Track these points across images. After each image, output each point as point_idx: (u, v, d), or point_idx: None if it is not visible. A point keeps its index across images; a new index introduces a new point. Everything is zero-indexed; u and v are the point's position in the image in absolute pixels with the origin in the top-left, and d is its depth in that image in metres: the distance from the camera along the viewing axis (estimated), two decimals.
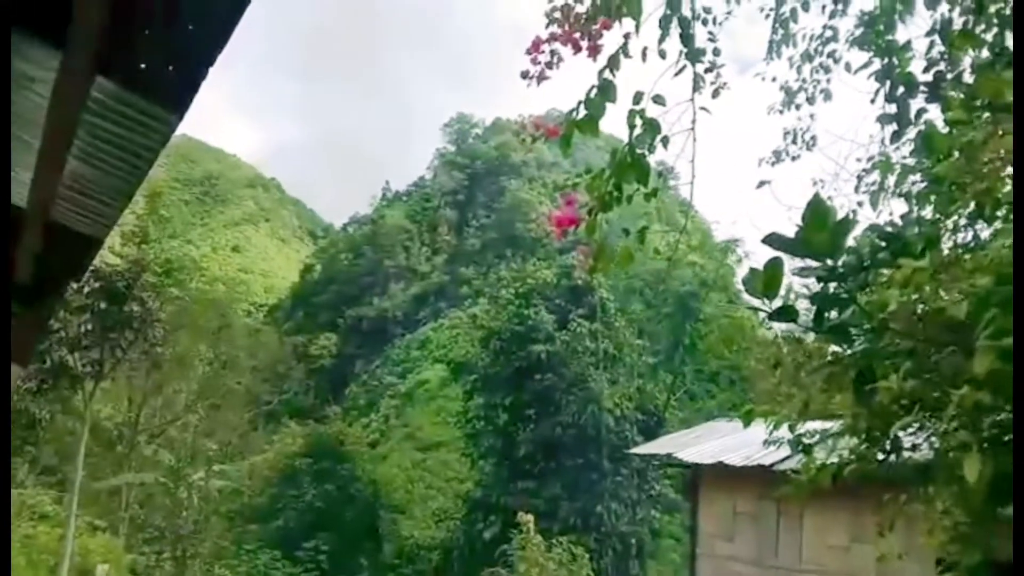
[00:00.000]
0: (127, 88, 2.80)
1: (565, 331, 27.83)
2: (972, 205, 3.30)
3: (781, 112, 5.99)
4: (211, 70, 2.66)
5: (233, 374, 35.49)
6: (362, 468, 39.41)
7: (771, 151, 6.19)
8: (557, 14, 3.30)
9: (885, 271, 3.23)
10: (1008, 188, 3.13)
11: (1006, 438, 2.20)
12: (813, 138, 6.06)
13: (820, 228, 3.00)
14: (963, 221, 3.94)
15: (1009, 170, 3.07)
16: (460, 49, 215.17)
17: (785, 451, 5.37)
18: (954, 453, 2.36)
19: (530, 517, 17.33)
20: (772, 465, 9.83)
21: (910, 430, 3.79)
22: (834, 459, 4.16)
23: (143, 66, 2.71)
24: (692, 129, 3.21)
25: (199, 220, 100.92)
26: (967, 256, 2.80)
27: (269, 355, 49.38)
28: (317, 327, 73.43)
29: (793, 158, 6.10)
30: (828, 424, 4.81)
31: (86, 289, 16.32)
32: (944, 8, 4.83)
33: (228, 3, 2.31)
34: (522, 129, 3.48)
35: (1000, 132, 2.91)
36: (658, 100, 3.09)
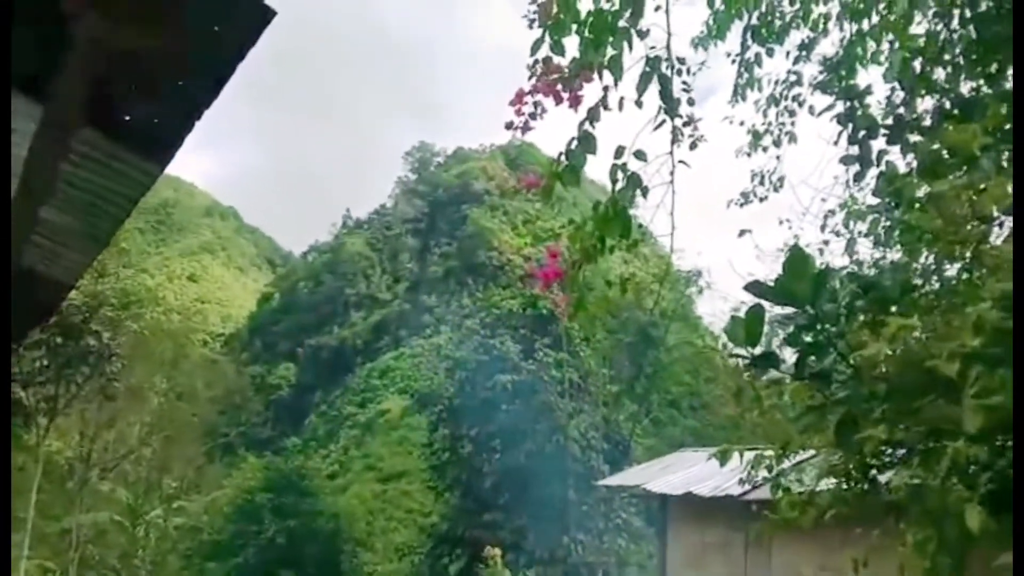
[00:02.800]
0: (111, 139, 2.78)
1: (531, 361, 27.82)
2: (943, 252, 3.41)
3: (748, 155, 6.14)
4: None
5: (189, 406, 34.71)
6: (323, 502, 38.67)
7: (739, 192, 6.33)
8: (539, 67, 3.36)
9: (863, 317, 3.32)
10: (975, 237, 3.25)
11: (995, 489, 2.26)
12: (780, 179, 6.21)
13: (800, 277, 3.07)
14: (932, 264, 4.08)
15: (979, 224, 3.18)
16: (422, 78, 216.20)
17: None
18: (949, 501, 2.42)
19: (497, 550, 17.18)
20: (741, 495, 9.89)
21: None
22: (809, 488, 4.22)
23: (128, 118, 2.69)
24: (671, 182, 3.27)
25: (154, 249, 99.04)
26: (942, 306, 2.89)
27: (226, 386, 48.46)
28: (275, 357, 72.34)
29: (761, 199, 6.24)
30: (801, 456, 4.86)
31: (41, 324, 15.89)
32: (904, 54, 5.01)
33: (223, 61, 2.31)
34: (501, 181, 3.52)
35: (970, 185, 3.02)
36: (639, 156, 3.15)
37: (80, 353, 16.98)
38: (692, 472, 12.30)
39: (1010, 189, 2.84)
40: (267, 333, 75.79)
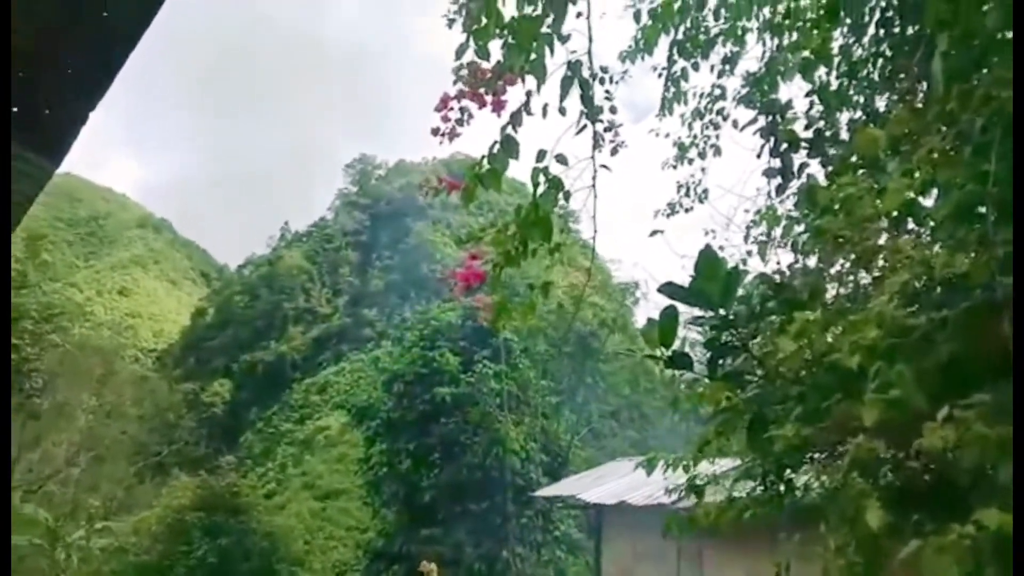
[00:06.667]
0: None
1: (470, 373, 27.71)
2: (852, 256, 3.50)
3: (675, 167, 6.24)
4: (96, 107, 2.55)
5: (118, 424, 33.61)
6: (258, 520, 37.70)
7: (666, 203, 6.43)
8: (464, 71, 3.35)
9: (774, 319, 3.37)
10: (883, 240, 3.34)
11: (898, 483, 2.31)
12: (705, 191, 6.33)
13: (711, 279, 3.11)
14: (845, 269, 4.18)
15: (884, 223, 3.28)
16: (365, 90, 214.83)
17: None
18: (851, 498, 2.45)
19: (433, 566, 16.97)
20: (672, 504, 9.98)
21: (802, 471, 3.92)
22: (729, 496, 4.26)
23: (16, 109, 2.56)
24: (593, 186, 3.29)
25: (83, 262, 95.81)
26: (853, 309, 2.95)
27: (157, 403, 47.13)
28: (210, 373, 70.41)
29: (687, 210, 6.34)
30: (723, 463, 4.91)
31: None
32: (822, 72, 5.16)
33: (114, 46, 2.22)
34: (426, 183, 3.51)
35: (875, 187, 3.10)
36: (560, 159, 3.17)
37: None
38: (625, 481, 12.38)
39: (910, 193, 2.92)
40: (201, 349, 73.75)
